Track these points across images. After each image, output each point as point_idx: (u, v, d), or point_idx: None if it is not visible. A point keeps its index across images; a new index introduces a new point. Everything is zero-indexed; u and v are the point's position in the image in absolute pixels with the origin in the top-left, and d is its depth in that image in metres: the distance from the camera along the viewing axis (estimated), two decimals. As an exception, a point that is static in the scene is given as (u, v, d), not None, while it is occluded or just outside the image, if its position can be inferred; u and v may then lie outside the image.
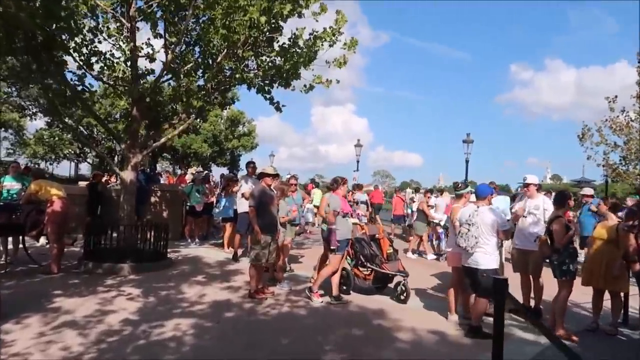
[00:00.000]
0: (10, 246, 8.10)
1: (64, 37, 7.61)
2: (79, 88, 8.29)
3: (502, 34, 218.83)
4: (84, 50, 8.21)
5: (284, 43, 8.37)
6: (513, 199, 8.23)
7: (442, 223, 10.21)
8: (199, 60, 8.65)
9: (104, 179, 15.63)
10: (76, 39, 7.97)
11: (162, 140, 9.11)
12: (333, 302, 6.40)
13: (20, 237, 7.95)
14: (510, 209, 7.48)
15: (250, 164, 9.73)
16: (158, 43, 8.74)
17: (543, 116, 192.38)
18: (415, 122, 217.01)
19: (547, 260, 5.85)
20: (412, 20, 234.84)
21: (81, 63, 8.15)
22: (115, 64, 8.65)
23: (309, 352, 4.69)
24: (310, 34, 8.17)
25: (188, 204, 11.77)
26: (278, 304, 6.30)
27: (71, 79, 8.23)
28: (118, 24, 8.58)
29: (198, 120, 31.29)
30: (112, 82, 8.75)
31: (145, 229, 8.47)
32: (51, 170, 44.32)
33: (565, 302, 5.56)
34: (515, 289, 5.83)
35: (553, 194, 12.65)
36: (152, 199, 12.06)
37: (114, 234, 8.15)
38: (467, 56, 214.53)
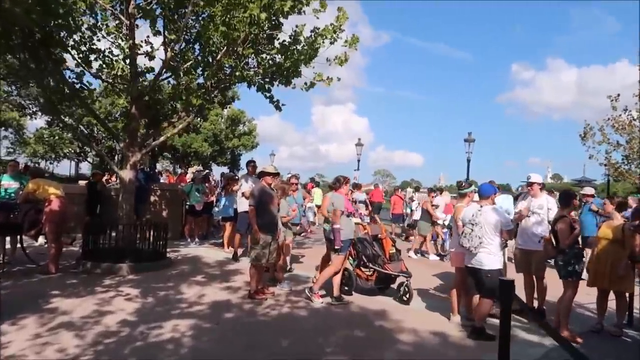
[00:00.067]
0: (7, 246, 8.02)
1: (62, 34, 7.53)
2: (77, 86, 8.20)
3: (503, 33, 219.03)
4: (83, 47, 8.13)
5: (284, 40, 8.28)
6: (515, 198, 8.15)
7: (445, 223, 10.12)
8: (199, 58, 8.57)
9: (104, 178, 15.59)
10: (75, 36, 7.90)
11: (162, 139, 9.03)
12: (334, 302, 6.32)
13: (18, 237, 7.88)
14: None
15: (251, 163, 9.65)
16: (157, 41, 8.68)
17: (544, 116, 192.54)
18: (416, 121, 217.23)
19: (552, 261, 5.77)
20: (413, 20, 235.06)
21: (79, 61, 8.06)
22: (114, 62, 8.57)
23: (310, 354, 4.61)
24: (311, 31, 8.07)
25: (188, 203, 11.69)
26: (278, 304, 6.21)
27: (69, 77, 8.16)
28: (117, 22, 8.50)
29: (198, 119, 31.47)
30: (110, 80, 8.66)
31: (145, 228, 8.40)
32: (51, 169, 44.34)
33: (570, 303, 5.48)
34: (518, 290, 5.76)
35: (556, 193, 12.64)
36: (152, 198, 11.98)
37: (113, 234, 8.08)
38: (468, 56, 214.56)
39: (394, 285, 6.95)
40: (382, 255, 6.78)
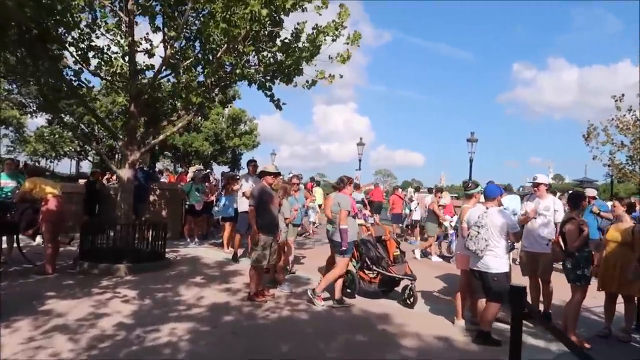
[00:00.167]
0: (4, 245, 7.89)
1: (60, 30, 7.41)
2: (75, 83, 8.07)
3: (504, 33, 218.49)
4: (82, 45, 8.00)
5: (285, 38, 8.15)
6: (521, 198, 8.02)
7: (452, 224, 9.98)
8: (199, 55, 8.44)
9: (105, 177, 15.48)
10: (73, 33, 7.78)
11: (161, 137, 8.90)
12: (336, 305, 6.19)
13: (15, 236, 7.75)
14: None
15: (252, 163, 9.53)
16: (157, 38, 8.56)
17: (545, 115, 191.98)
18: (417, 121, 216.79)
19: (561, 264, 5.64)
20: (414, 19, 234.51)
21: (78, 58, 7.93)
22: (112, 59, 8.44)
23: (310, 359, 4.49)
24: (313, 28, 7.93)
25: (187, 202, 11.57)
26: (278, 307, 6.08)
27: (67, 74, 8.03)
28: (116, 19, 8.37)
29: (199, 118, 31.34)
30: (109, 78, 8.53)
31: (143, 228, 8.27)
32: (52, 168, 44.27)
33: (578, 307, 5.34)
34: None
35: (558, 194, 12.49)
36: (151, 198, 11.87)
37: (111, 234, 7.95)
38: (469, 55, 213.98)
39: (398, 288, 6.82)
40: (386, 258, 6.62)
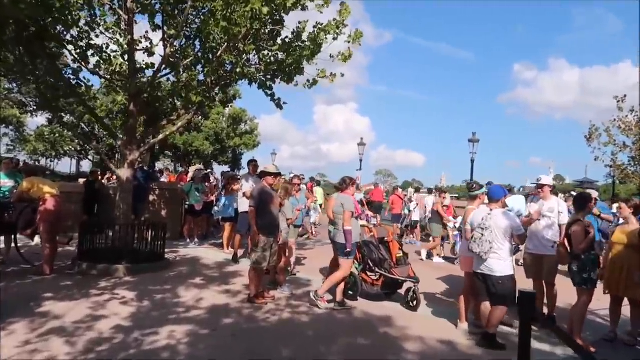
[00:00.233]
0: (2, 245, 7.83)
1: (59, 28, 7.33)
2: (74, 82, 7.98)
3: (505, 33, 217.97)
4: (81, 43, 7.92)
5: (286, 37, 8.06)
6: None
7: (457, 225, 9.89)
8: (199, 54, 8.36)
9: (106, 177, 15.42)
10: (72, 31, 7.70)
11: (160, 137, 8.82)
12: (337, 307, 6.10)
13: (13, 236, 7.67)
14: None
15: (252, 163, 9.45)
16: (157, 37, 8.48)
17: (546, 116, 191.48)
18: (418, 121, 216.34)
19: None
20: (415, 19, 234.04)
21: (76, 56, 7.85)
22: (112, 58, 8.36)
23: (311, 363, 4.41)
24: (313, 27, 7.84)
25: (187, 202, 11.49)
26: (279, 309, 6.00)
27: (66, 73, 7.95)
28: (115, 17, 8.29)
29: (199, 117, 31.23)
30: (108, 77, 8.44)
31: (143, 228, 8.20)
32: (52, 167, 44.22)
33: (584, 311, 5.26)
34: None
35: (560, 195, 12.40)
36: (151, 198, 11.80)
37: (110, 234, 7.86)
38: (470, 56, 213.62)
39: (401, 291, 6.72)
40: (388, 259, 6.52)
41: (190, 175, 14.90)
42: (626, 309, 5.69)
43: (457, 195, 32.37)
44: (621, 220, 11.34)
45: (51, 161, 43.69)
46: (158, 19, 8.21)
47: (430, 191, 17.07)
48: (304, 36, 7.97)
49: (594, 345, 5.24)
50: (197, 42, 8.60)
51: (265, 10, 6.77)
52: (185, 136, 34.65)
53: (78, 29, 7.77)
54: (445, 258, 11.13)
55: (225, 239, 10.23)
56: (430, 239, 15.44)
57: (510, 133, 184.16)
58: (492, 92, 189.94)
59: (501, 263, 4.93)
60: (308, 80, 8.19)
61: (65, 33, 7.67)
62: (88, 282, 6.74)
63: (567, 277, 5.83)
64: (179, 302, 6.01)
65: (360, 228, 6.59)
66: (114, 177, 14.16)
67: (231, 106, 34.62)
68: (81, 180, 15.41)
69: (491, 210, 5.15)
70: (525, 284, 5.89)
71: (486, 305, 5.19)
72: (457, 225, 9.88)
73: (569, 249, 5.36)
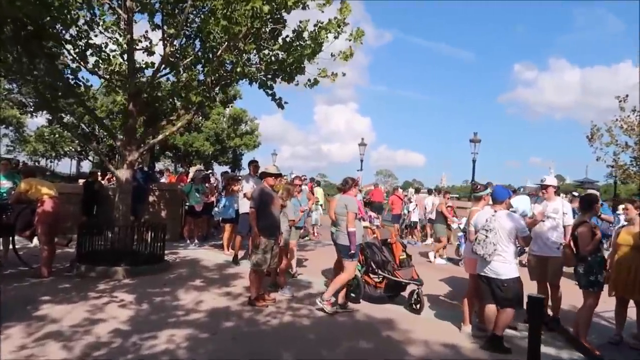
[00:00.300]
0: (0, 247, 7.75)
1: (57, 27, 7.25)
2: (72, 82, 7.90)
3: (506, 33, 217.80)
4: (80, 42, 7.84)
5: (287, 36, 7.98)
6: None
7: (461, 226, 9.79)
8: (199, 54, 8.28)
9: (106, 178, 15.34)
10: (71, 30, 7.62)
11: (160, 137, 8.74)
12: (339, 310, 6.01)
13: (11, 238, 7.59)
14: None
15: (253, 163, 9.36)
16: (156, 37, 8.41)
17: (546, 115, 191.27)
18: (418, 121, 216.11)
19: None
20: (415, 20, 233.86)
21: (75, 56, 7.77)
22: (111, 58, 8.28)
23: (313, 368, 4.33)
24: (314, 25, 7.76)
25: (187, 203, 11.40)
26: (279, 312, 5.91)
27: (64, 72, 7.86)
28: (115, 16, 8.21)
29: (200, 118, 31.13)
30: (107, 76, 8.36)
31: (142, 229, 8.11)
32: (52, 167, 44.17)
33: (590, 314, 5.17)
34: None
35: (562, 195, 12.28)
36: (151, 199, 11.70)
37: (110, 235, 7.78)
38: (470, 56, 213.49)
39: (404, 293, 6.64)
40: (391, 261, 6.42)
41: (190, 175, 14.83)
42: (632, 311, 5.60)
43: (457, 196, 32.27)
44: (621, 221, 11.28)
45: (51, 162, 43.63)
46: (157, 19, 8.14)
47: (430, 192, 17.02)
48: (305, 35, 7.89)
49: (599, 349, 5.14)
50: (197, 42, 8.53)
51: (266, 8, 6.68)
52: (185, 137, 34.60)
53: (77, 29, 7.69)
54: (449, 259, 11.04)
55: (225, 240, 10.14)
56: (430, 239, 15.46)
57: (511, 133, 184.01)
58: (493, 92, 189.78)
59: (506, 266, 4.84)
60: (309, 80, 8.11)
61: (64, 32, 7.59)
62: (86, 284, 6.65)
63: (570, 279, 5.75)
64: (179, 305, 5.92)
65: (363, 229, 6.49)
66: (114, 177, 14.10)
67: (231, 106, 34.54)
68: (81, 181, 15.34)
69: (495, 211, 5.06)
70: (528, 285, 5.80)
71: (490, 308, 5.11)
72: (462, 226, 9.78)
73: (574, 250, 5.27)
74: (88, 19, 7.90)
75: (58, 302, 5.70)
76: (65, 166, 50.59)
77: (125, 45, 8.05)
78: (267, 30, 7.76)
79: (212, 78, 7.97)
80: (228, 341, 4.81)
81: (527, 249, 6.17)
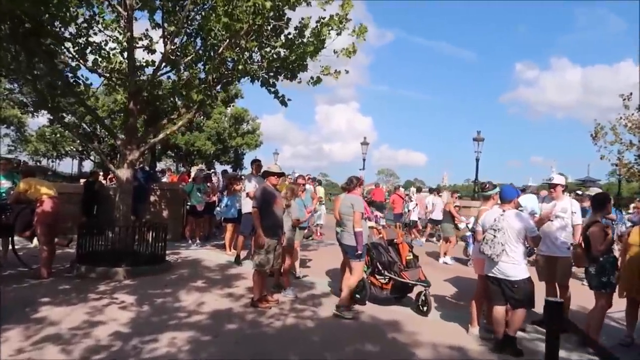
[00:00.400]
0: (-1, 248, 7.66)
1: (56, 24, 7.15)
2: (72, 80, 7.80)
3: (507, 33, 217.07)
4: (80, 40, 7.74)
5: (289, 33, 7.87)
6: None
7: (469, 226, 9.67)
8: (200, 51, 8.17)
9: (108, 177, 15.25)
10: (70, 28, 7.52)
11: (161, 136, 8.63)
12: (357, 314, 5.88)
13: (10, 239, 7.49)
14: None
15: (256, 162, 9.25)
16: (157, 35, 8.30)
17: (547, 115, 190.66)
18: (419, 120, 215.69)
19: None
20: (417, 19, 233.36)
21: (74, 54, 7.67)
22: (111, 56, 8.17)
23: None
24: (316, 22, 7.65)
25: (189, 203, 11.30)
26: (283, 313, 5.80)
27: (63, 71, 7.76)
28: (115, 14, 8.11)
29: (201, 117, 31.02)
30: (107, 75, 8.25)
31: (143, 229, 8.01)
32: (54, 167, 44.14)
33: (602, 316, 5.05)
34: (539, 299, 5.35)
35: (566, 194, 12.14)
36: (152, 198, 11.60)
37: (110, 235, 7.68)
38: (472, 55, 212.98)
39: (411, 294, 6.53)
40: (398, 262, 6.29)
41: (192, 175, 14.73)
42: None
43: (458, 195, 32.07)
44: (624, 219, 11.17)
45: (52, 162, 43.58)
46: (158, 16, 8.03)
47: (431, 191, 16.92)
48: (307, 32, 7.78)
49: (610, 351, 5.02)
50: (198, 40, 8.41)
51: (267, 5, 6.57)
52: (187, 136, 34.55)
53: (76, 26, 7.59)
54: (456, 259, 10.91)
55: (227, 240, 10.04)
56: (434, 239, 15.37)
57: (512, 132, 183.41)
58: (494, 92, 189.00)
59: (515, 267, 4.73)
60: (312, 78, 7.99)
61: (63, 30, 7.49)
62: (86, 285, 6.55)
63: (575, 279, 5.62)
64: (180, 307, 5.81)
65: (369, 230, 6.37)
66: (115, 177, 14.00)
67: (233, 106, 34.46)
68: (82, 181, 15.26)
69: (504, 211, 4.94)
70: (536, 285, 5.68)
71: (498, 310, 4.99)
72: (470, 226, 9.65)
73: (586, 250, 5.14)
74: (87, 17, 7.80)
75: (57, 304, 5.59)
76: (66, 166, 50.56)
77: (125, 43, 7.94)
78: (269, 27, 7.65)
79: (214, 76, 7.86)
80: (231, 344, 4.70)
81: (535, 249, 6.05)
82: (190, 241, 11.06)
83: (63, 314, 5.24)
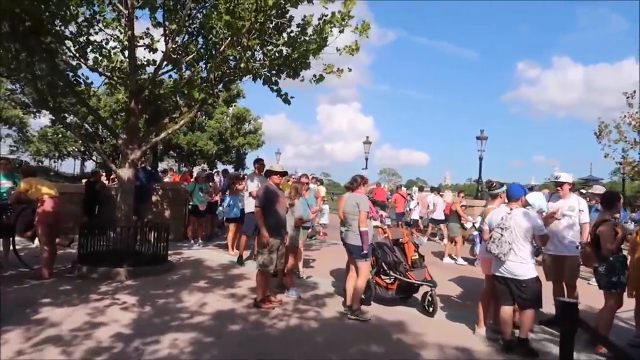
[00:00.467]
0: (0, 248, 7.59)
1: (56, 22, 7.08)
2: (72, 79, 7.73)
3: (509, 32, 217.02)
4: (80, 39, 7.67)
5: (291, 31, 7.79)
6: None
7: (476, 225, 9.57)
8: (202, 50, 8.10)
9: (111, 177, 15.21)
10: (70, 27, 7.45)
11: (162, 135, 8.57)
12: (347, 312, 5.82)
13: (11, 239, 7.42)
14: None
15: (258, 162, 9.17)
16: (158, 34, 8.24)
17: (549, 114, 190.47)
18: (421, 120, 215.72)
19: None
20: (418, 19, 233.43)
21: (75, 53, 7.60)
22: (112, 54, 8.10)
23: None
24: (319, 19, 7.57)
25: (191, 203, 11.23)
26: (286, 314, 5.72)
27: (64, 70, 7.70)
28: (116, 13, 8.05)
29: (203, 117, 30.93)
30: (108, 74, 8.19)
31: (145, 229, 7.94)
32: (56, 168, 44.16)
33: (612, 315, 4.97)
34: (547, 299, 5.28)
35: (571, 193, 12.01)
36: (154, 198, 11.53)
37: (112, 235, 7.61)
38: (473, 55, 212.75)
39: (417, 295, 6.44)
40: (403, 262, 6.19)
41: (194, 175, 14.68)
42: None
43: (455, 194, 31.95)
44: (627, 217, 11.02)
45: (55, 162, 43.58)
46: (159, 15, 7.98)
47: (432, 190, 16.85)
48: (309, 30, 7.70)
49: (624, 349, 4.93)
50: (199, 38, 8.34)
51: (270, 2, 6.50)
52: (188, 136, 34.49)
53: (77, 25, 7.52)
54: (464, 259, 10.81)
55: (229, 240, 9.97)
56: (436, 238, 15.28)
57: (514, 132, 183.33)
58: (496, 91, 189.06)
59: (523, 266, 4.65)
60: (314, 75, 7.92)
61: (63, 29, 7.43)
62: (88, 286, 6.48)
63: (581, 278, 5.52)
64: (182, 308, 5.74)
65: (374, 229, 6.28)
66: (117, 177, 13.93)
67: (235, 105, 34.34)
68: (84, 181, 15.21)
69: (511, 209, 4.86)
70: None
71: (505, 310, 4.91)
72: (477, 225, 9.55)
73: (595, 249, 5.05)
74: (88, 15, 7.73)
75: (58, 305, 5.53)
76: (68, 166, 50.67)
77: (126, 42, 7.88)
78: (271, 25, 7.57)
79: (215, 74, 7.79)
80: (234, 345, 4.62)
81: (543, 248, 5.96)
82: (192, 241, 10.99)
83: (64, 315, 5.17)
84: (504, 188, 5.34)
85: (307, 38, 7.64)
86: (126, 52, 7.98)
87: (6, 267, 7.25)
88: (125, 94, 8.66)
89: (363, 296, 6.14)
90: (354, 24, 7.62)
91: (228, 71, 7.94)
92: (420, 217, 16.38)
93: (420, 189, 19.43)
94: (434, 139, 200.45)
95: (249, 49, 7.51)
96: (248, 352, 4.47)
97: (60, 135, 34.54)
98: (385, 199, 18.64)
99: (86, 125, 29.59)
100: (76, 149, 38.33)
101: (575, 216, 5.89)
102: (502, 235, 4.71)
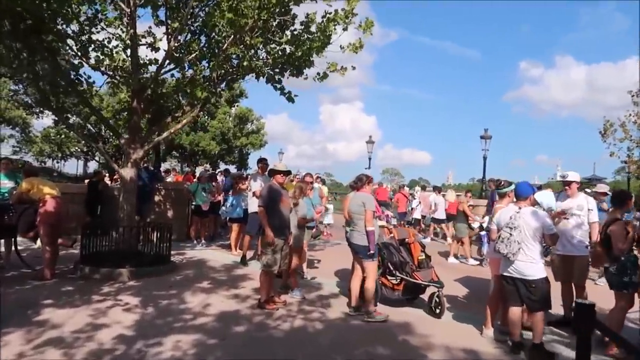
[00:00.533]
0: (1, 249, 7.54)
1: (58, 21, 7.02)
2: (74, 78, 7.67)
3: (511, 32, 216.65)
4: (82, 38, 7.61)
5: (295, 29, 7.71)
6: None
7: (484, 225, 9.46)
8: (204, 49, 8.03)
9: (114, 177, 15.15)
10: (72, 26, 7.39)
11: (165, 134, 8.49)
12: (352, 313, 5.75)
13: (13, 239, 7.36)
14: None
15: (262, 161, 9.10)
16: (160, 33, 8.16)
17: (552, 113, 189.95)
18: (424, 120, 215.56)
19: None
20: (420, 19, 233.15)
21: (77, 51, 7.54)
22: (114, 53, 8.04)
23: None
24: (322, 17, 7.49)
25: (194, 203, 11.17)
26: (290, 315, 5.64)
27: (65, 69, 7.64)
28: (117, 12, 7.98)
29: (205, 117, 30.89)
30: (110, 73, 8.13)
31: (147, 230, 7.88)
32: (59, 168, 44.21)
33: (623, 316, 4.87)
34: (555, 299, 5.18)
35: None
36: (156, 198, 11.48)
37: (114, 235, 7.55)
38: (476, 54, 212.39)
39: (423, 295, 6.35)
40: (410, 262, 6.10)
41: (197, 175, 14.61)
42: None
43: (460, 194, 31.84)
44: (633, 218, 10.90)
45: (57, 162, 43.63)
46: (161, 13, 7.90)
47: (434, 189, 16.75)
48: (313, 28, 7.62)
49: (630, 353, 4.84)
50: (202, 37, 8.27)
51: (273, -1, 6.41)
52: (191, 136, 34.44)
53: (78, 24, 7.46)
54: (474, 259, 10.70)
55: (232, 240, 9.90)
56: (439, 237, 15.18)
57: (517, 131, 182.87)
58: (498, 91, 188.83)
59: (533, 266, 4.55)
60: (318, 74, 7.85)
61: (65, 27, 7.37)
62: (90, 287, 6.41)
63: (588, 278, 5.41)
64: (185, 309, 5.67)
65: (380, 229, 6.19)
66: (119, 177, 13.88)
67: (237, 105, 34.34)
68: (86, 181, 15.16)
69: (520, 208, 4.77)
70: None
71: (514, 311, 4.82)
72: (485, 225, 9.45)
73: (606, 249, 4.96)
74: (90, 14, 7.67)
75: (60, 306, 5.46)
76: (71, 167, 50.78)
77: (128, 41, 7.81)
78: (275, 23, 7.50)
79: (218, 73, 7.72)
80: (238, 347, 4.55)
81: (552, 248, 5.86)
82: (195, 241, 10.93)
83: (66, 316, 5.11)
84: (512, 187, 5.24)
85: (310, 36, 7.57)
86: (128, 51, 7.93)
87: (8, 268, 7.20)
88: (128, 93, 8.58)
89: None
90: (358, 21, 7.57)
91: (231, 70, 7.87)
92: (423, 217, 16.30)
93: (423, 188, 19.37)
94: (436, 138, 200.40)
95: (252, 47, 7.44)
96: (252, 354, 4.40)
97: (63, 136, 34.53)
98: (388, 198, 18.56)
99: (89, 126, 29.61)
100: (79, 150, 38.37)
101: (584, 215, 5.79)
102: (511, 234, 4.62)
